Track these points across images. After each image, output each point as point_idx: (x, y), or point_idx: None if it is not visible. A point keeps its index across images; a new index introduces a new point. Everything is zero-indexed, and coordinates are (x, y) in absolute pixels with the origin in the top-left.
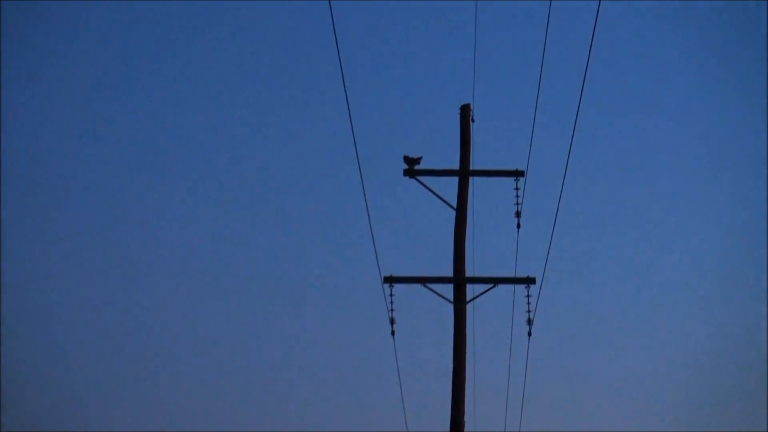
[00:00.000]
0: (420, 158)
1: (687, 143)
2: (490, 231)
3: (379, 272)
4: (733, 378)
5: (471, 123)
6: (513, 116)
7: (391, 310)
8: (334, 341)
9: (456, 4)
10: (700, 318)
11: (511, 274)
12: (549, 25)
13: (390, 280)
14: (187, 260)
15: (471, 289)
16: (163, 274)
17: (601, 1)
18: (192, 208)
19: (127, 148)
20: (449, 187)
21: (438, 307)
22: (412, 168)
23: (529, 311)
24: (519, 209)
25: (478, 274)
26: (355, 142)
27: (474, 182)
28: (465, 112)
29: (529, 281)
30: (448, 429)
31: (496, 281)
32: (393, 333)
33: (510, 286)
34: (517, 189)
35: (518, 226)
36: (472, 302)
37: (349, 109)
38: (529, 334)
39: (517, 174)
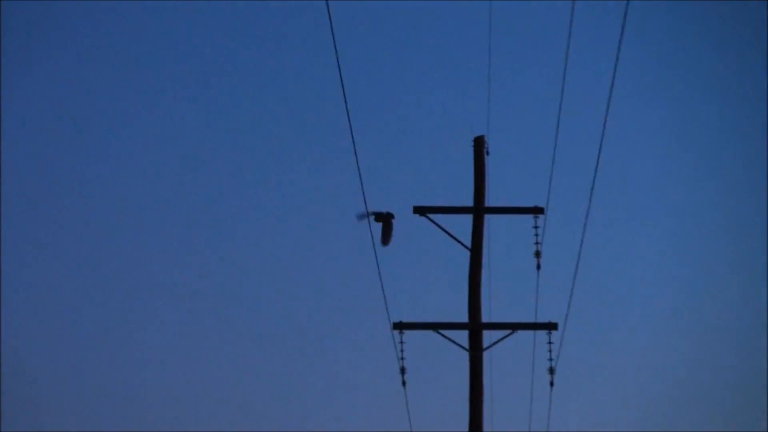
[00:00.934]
0: (389, 215)
1: (711, 176)
2: (507, 273)
3: (389, 318)
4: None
5: (485, 156)
6: (531, 149)
7: (402, 358)
8: (339, 393)
9: (470, 30)
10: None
11: (530, 320)
12: (568, 56)
13: (400, 327)
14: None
15: (488, 336)
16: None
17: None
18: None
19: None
20: (463, 225)
21: (452, 355)
22: (422, 206)
23: (551, 359)
24: (538, 249)
25: (494, 319)
26: (361, 178)
27: (489, 220)
28: (479, 144)
29: (550, 327)
30: None
31: (514, 327)
32: (404, 383)
33: (530, 333)
34: (536, 227)
35: (538, 267)
36: (488, 350)
37: (354, 143)
38: (551, 383)
39: (536, 211)
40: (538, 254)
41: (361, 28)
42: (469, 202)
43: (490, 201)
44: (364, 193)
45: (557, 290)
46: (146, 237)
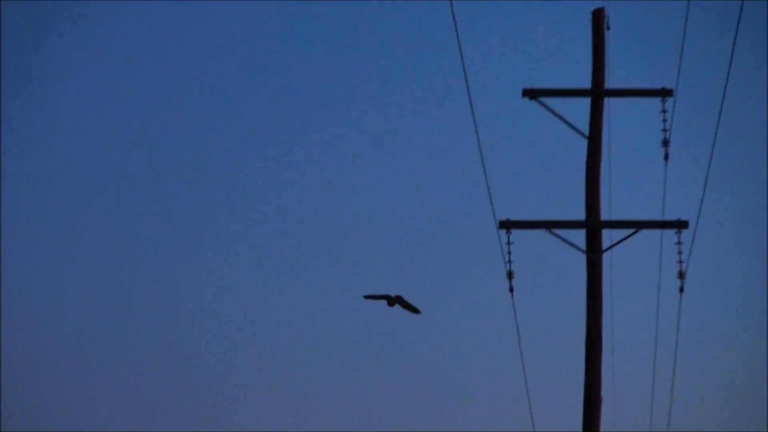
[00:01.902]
0: (397, 297)
1: None
2: (630, 164)
3: (494, 216)
4: None
5: (605, 31)
6: (657, 22)
7: (509, 261)
8: (444, 298)
9: None
10: None
11: (657, 217)
12: None
13: (507, 226)
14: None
15: (607, 236)
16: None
17: None
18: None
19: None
20: (580, 110)
21: (567, 257)
22: (534, 89)
23: (680, 261)
24: (667, 137)
25: (616, 217)
26: (463, 59)
27: (610, 104)
28: (598, 17)
29: (679, 225)
30: (581, 401)
31: (638, 226)
32: (511, 289)
33: (656, 232)
34: (663, 112)
35: (666, 157)
36: (609, 251)
37: (454, 18)
38: (681, 289)
39: (664, 93)
40: (665, 143)
41: None
42: (586, 84)
43: (611, 83)
44: (466, 78)
45: (688, 184)
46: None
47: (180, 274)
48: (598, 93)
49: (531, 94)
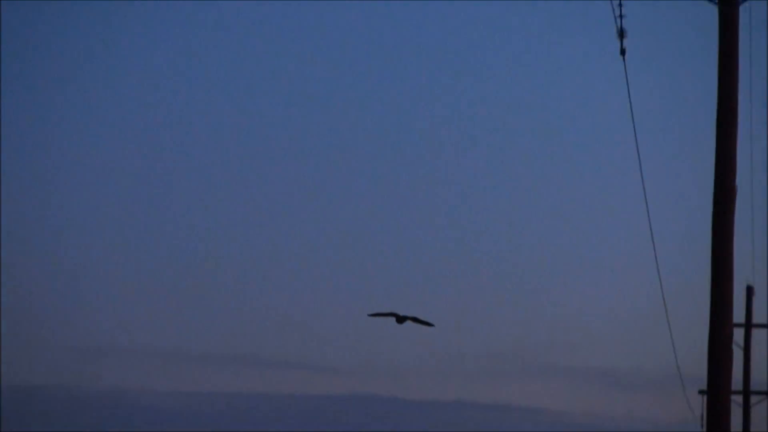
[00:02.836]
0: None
1: None
2: None
3: None
4: None
5: None
6: None
7: (620, 16)
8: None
9: None
10: None
11: None
12: None
13: None
14: None
15: None
16: None
17: None
18: None
19: None
20: None
21: (693, 11)
22: None
23: None
24: None
25: None
26: None
27: None
28: None
29: None
30: (711, 194)
31: None
32: (623, 51)
33: None
34: None
35: None
36: (747, 3)
37: None
38: None
39: None
40: None
41: None
42: None
43: None
44: None
45: None
46: None
47: None
48: None
49: None
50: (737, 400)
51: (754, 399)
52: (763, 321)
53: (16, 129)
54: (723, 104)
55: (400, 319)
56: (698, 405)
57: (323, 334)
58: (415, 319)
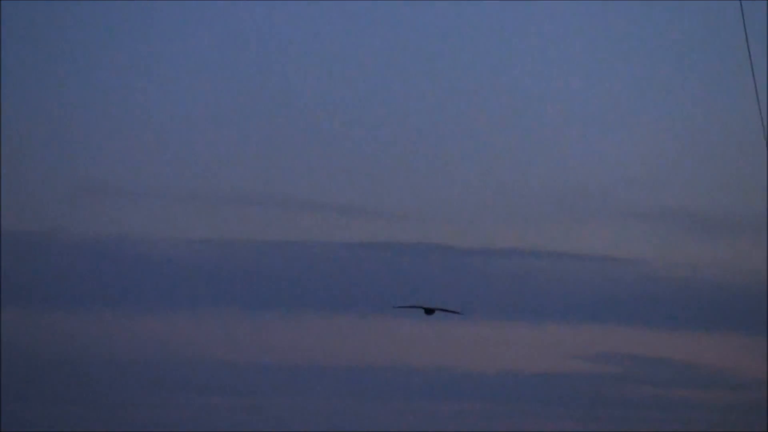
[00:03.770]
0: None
1: None
2: None
3: None
4: None
5: None
6: None
7: None
8: None
9: None
10: None
11: None
12: None
13: None
14: None
15: None
16: None
17: None
18: None
19: None
20: None
21: None
22: None
23: None
24: None
25: None
26: None
27: None
28: None
29: None
30: None
31: None
32: None
33: None
34: None
35: None
36: None
37: None
38: None
39: None
40: None
41: None
42: None
43: None
44: None
45: None
46: None
47: None
48: None
49: None
50: None
51: None
52: None
53: None
54: None
55: (429, 311)
56: None
57: (373, 176)
58: (443, 309)
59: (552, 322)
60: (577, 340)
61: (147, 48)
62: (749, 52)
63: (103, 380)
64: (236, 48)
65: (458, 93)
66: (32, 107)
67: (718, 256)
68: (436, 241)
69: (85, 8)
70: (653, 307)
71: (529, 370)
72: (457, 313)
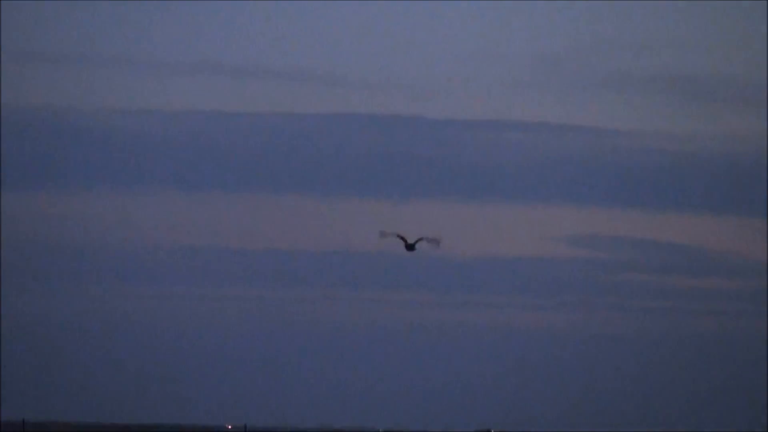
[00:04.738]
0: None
1: None
2: None
3: None
4: None
5: None
6: None
7: None
8: None
9: None
10: None
11: None
12: None
13: None
14: None
15: None
16: None
17: None
18: None
19: None
20: None
21: None
22: None
23: None
24: None
25: None
26: None
27: None
28: None
29: None
30: None
31: None
32: None
33: None
34: None
35: None
36: None
37: None
38: None
39: None
40: None
41: None
42: None
43: None
44: None
45: None
46: None
47: None
48: None
49: None
50: None
51: None
52: None
53: None
54: None
55: (410, 247)
56: None
57: (332, 41)
58: (424, 240)
59: (534, 202)
60: (564, 223)
61: None
62: None
63: None
64: None
65: None
66: None
67: (717, 125)
68: (407, 113)
69: None
70: (646, 186)
71: (511, 254)
72: (437, 240)
